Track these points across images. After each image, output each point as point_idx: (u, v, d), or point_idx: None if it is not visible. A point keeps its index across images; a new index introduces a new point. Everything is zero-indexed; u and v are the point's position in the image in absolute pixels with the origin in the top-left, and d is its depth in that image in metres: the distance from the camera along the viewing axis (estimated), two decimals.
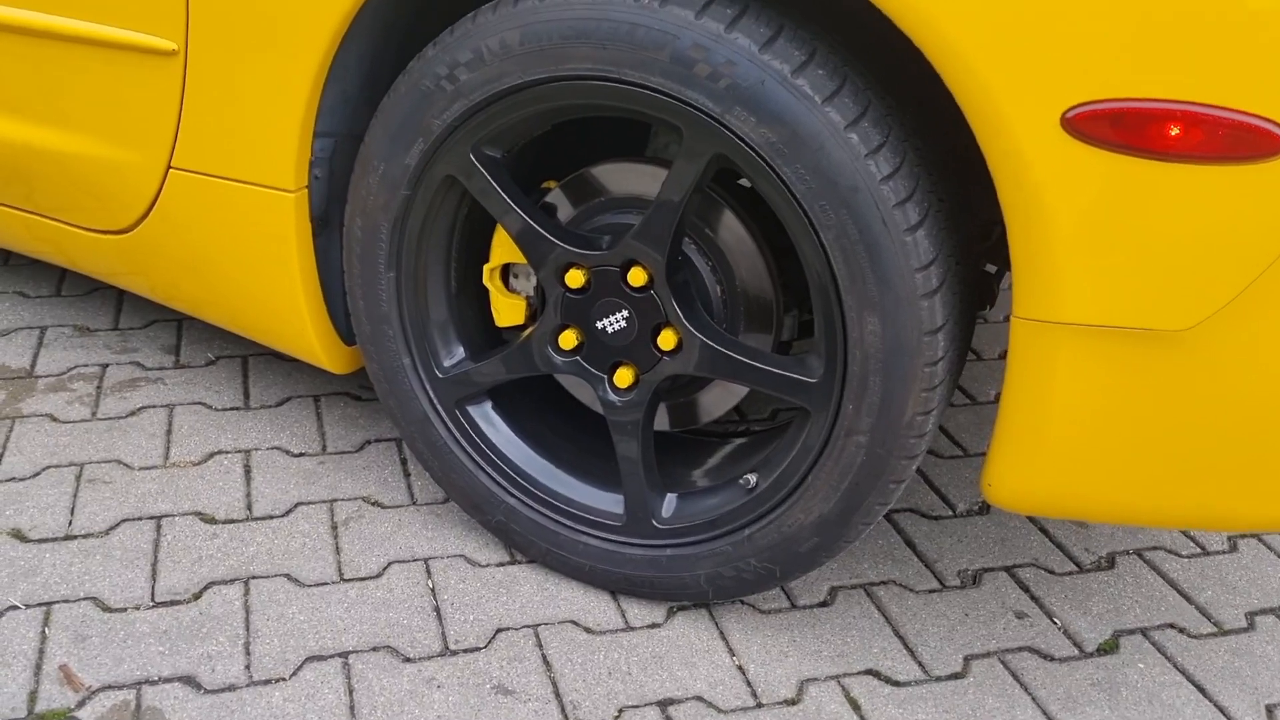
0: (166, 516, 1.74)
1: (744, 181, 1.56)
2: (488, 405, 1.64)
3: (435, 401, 1.63)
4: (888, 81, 1.31)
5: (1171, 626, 1.68)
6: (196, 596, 1.59)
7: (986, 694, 1.53)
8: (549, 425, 1.69)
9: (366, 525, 1.75)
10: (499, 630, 1.57)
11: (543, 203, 1.57)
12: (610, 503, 1.60)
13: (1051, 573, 1.77)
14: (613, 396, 1.53)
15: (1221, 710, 1.54)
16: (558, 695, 1.47)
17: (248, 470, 1.86)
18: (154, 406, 2.00)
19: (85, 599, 1.56)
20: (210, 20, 1.52)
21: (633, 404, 1.52)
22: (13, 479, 1.79)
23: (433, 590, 1.63)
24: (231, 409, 2.02)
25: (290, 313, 1.69)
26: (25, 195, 1.90)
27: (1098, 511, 1.35)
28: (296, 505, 1.79)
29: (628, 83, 1.31)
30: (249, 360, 2.16)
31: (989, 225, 1.58)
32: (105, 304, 2.32)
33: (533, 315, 1.61)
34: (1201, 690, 1.57)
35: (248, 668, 1.48)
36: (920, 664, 1.57)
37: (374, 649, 1.52)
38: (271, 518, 1.75)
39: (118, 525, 1.71)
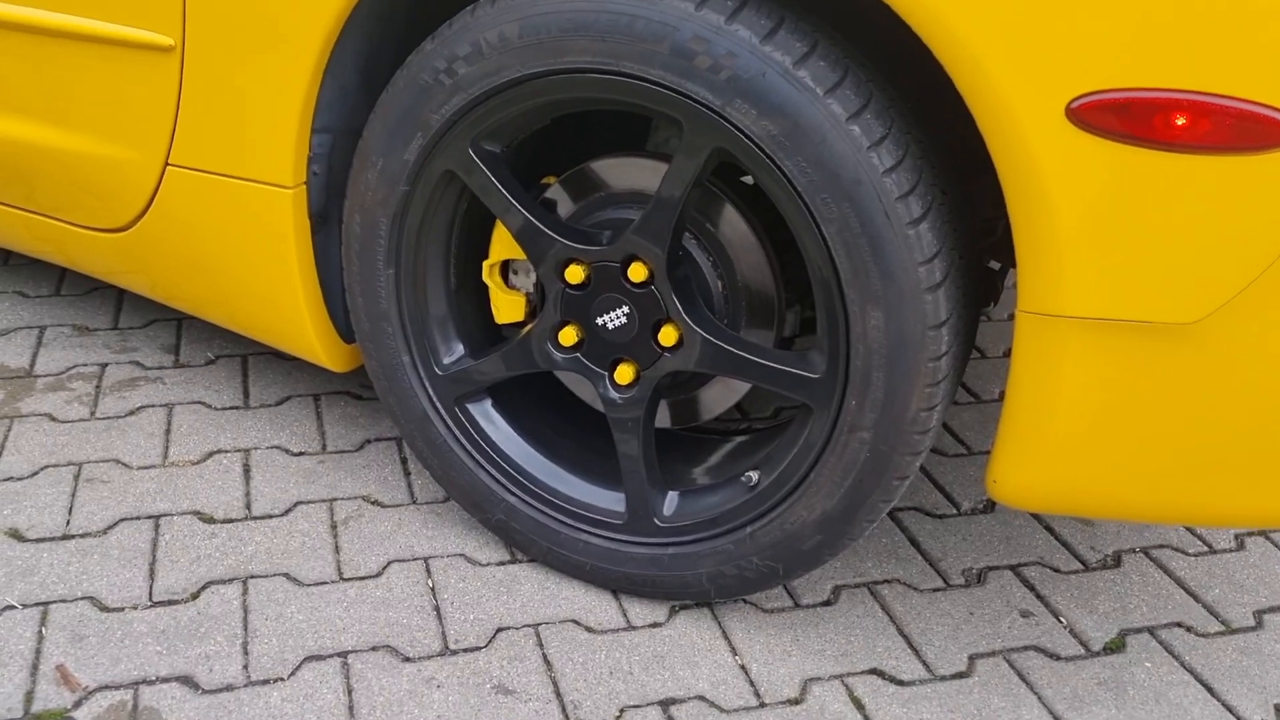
0: (165, 516, 1.73)
1: (747, 179, 1.55)
2: (488, 403, 1.63)
3: (435, 399, 1.62)
4: (890, 73, 1.30)
5: (1179, 625, 1.67)
6: (194, 596, 1.57)
7: (992, 693, 1.51)
8: (549, 423, 1.67)
9: (366, 524, 1.74)
10: (499, 629, 1.55)
11: (542, 198, 1.56)
12: (611, 501, 1.58)
13: (1057, 571, 1.75)
14: (613, 393, 1.51)
15: (1230, 709, 1.52)
16: (559, 695, 1.46)
17: (247, 469, 1.85)
18: (153, 406, 1.99)
19: (82, 598, 1.55)
20: (207, 15, 1.51)
21: (633, 401, 1.50)
22: (10, 478, 1.78)
23: (433, 589, 1.62)
24: (231, 408, 2.01)
25: (289, 310, 1.68)
26: (24, 194, 1.89)
27: (1104, 508, 1.33)
28: (296, 504, 1.77)
29: (627, 75, 1.30)
30: (249, 359, 2.15)
31: (993, 220, 1.57)
32: (105, 303, 2.31)
33: (532, 312, 1.60)
34: (1209, 689, 1.55)
35: (246, 668, 1.46)
36: (925, 663, 1.55)
37: (373, 648, 1.51)
38: (271, 517, 1.74)
39: (116, 525, 1.70)
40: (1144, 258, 1.16)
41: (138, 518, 1.72)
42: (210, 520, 1.72)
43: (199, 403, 2.01)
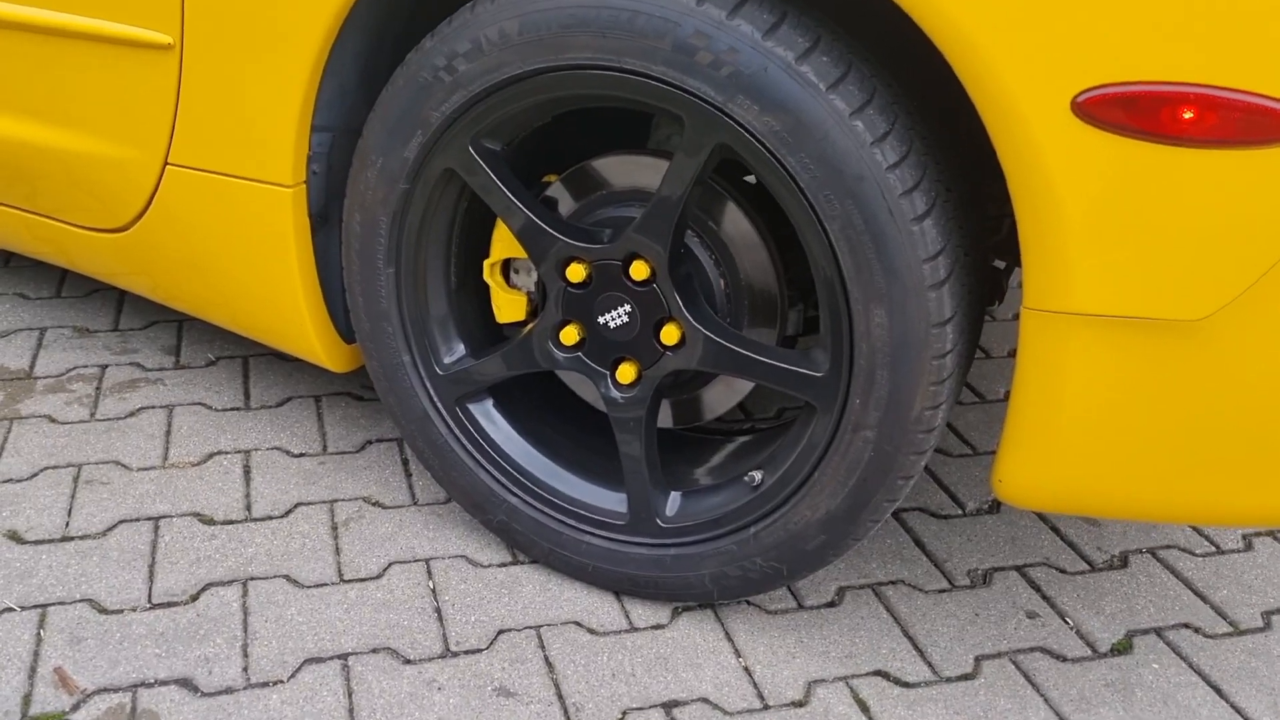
0: (165, 517, 1.72)
1: (749, 178, 1.54)
2: (489, 403, 1.62)
3: (435, 399, 1.61)
4: (894, 67, 1.29)
5: (1186, 626, 1.65)
6: (194, 598, 1.56)
7: (998, 695, 1.50)
8: (550, 423, 1.66)
9: (367, 526, 1.73)
10: (501, 631, 1.54)
11: (543, 196, 1.55)
12: (613, 501, 1.57)
13: (1063, 572, 1.74)
14: (615, 393, 1.50)
15: (1238, 711, 1.50)
16: (560, 697, 1.45)
17: (247, 471, 1.84)
18: (153, 407, 1.98)
19: (81, 601, 1.54)
20: (206, 13, 1.50)
21: (635, 400, 1.49)
22: (10, 480, 1.78)
23: (434, 591, 1.61)
24: (231, 409, 2.00)
25: (289, 310, 1.67)
26: (24, 194, 1.88)
27: (1110, 507, 1.32)
28: (296, 506, 1.76)
29: (629, 72, 1.29)
30: (250, 360, 2.14)
31: (997, 218, 1.56)
32: (105, 305, 2.30)
33: (534, 311, 1.59)
34: (1218, 691, 1.53)
35: (245, 670, 1.45)
36: (930, 665, 1.54)
37: (374, 650, 1.49)
38: (271, 518, 1.73)
39: (115, 526, 1.69)
40: (1151, 253, 1.14)
41: (137, 519, 1.71)
42: (210, 522, 1.71)
43: (199, 404, 2.00)
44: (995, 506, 1.87)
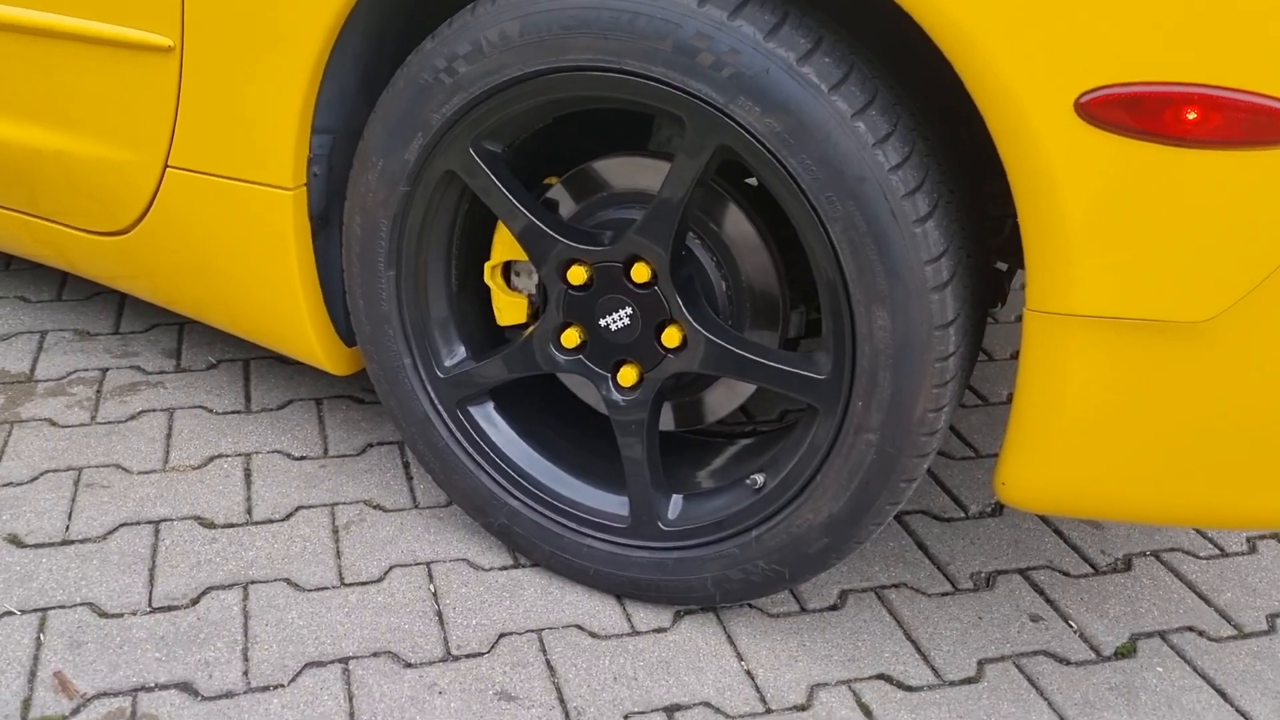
0: (165, 521, 1.71)
1: (751, 180, 1.53)
2: (490, 406, 1.61)
3: (436, 402, 1.60)
4: (896, 68, 1.28)
5: (1190, 629, 1.64)
6: (194, 602, 1.56)
7: (1001, 699, 1.49)
8: (552, 426, 1.66)
9: (368, 529, 1.72)
10: (502, 635, 1.54)
11: (544, 198, 1.55)
12: (615, 505, 1.57)
13: (1067, 575, 1.73)
14: (616, 396, 1.50)
15: (1243, 714, 1.50)
16: (562, 701, 1.44)
17: (248, 474, 1.83)
18: (154, 410, 1.98)
19: (81, 604, 1.54)
20: (206, 15, 1.50)
21: (637, 403, 1.49)
22: (10, 484, 1.77)
23: (435, 594, 1.60)
24: (232, 412, 1.99)
25: (290, 313, 1.66)
26: (25, 197, 1.88)
27: (1114, 509, 1.31)
28: (297, 509, 1.76)
29: (629, 73, 1.29)
30: (250, 364, 2.14)
31: (1000, 219, 1.55)
32: (106, 308, 2.30)
33: (535, 313, 1.59)
34: (1222, 694, 1.53)
35: (246, 674, 1.45)
36: (933, 668, 1.53)
37: (374, 654, 1.49)
38: (272, 522, 1.73)
39: (115, 530, 1.68)
40: (1154, 255, 1.14)
41: (138, 523, 1.70)
42: (211, 525, 1.71)
43: (200, 407, 2.00)
44: (998, 509, 1.87)
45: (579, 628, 1.56)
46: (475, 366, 1.58)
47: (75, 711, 1.38)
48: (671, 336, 1.43)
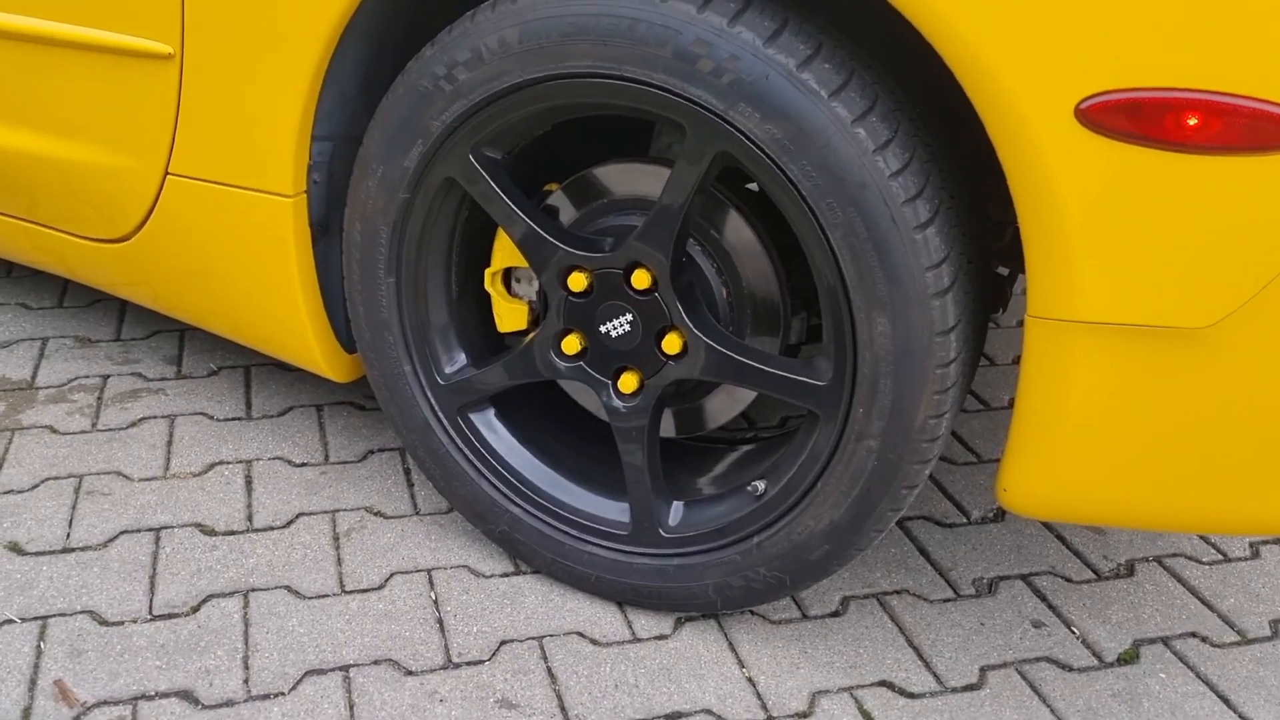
0: (166, 528, 1.71)
1: (752, 186, 1.53)
2: (490, 412, 1.61)
3: (437, 409, 1.60)
4: (897, 74, 1.28)
5: (1193, 635, 1.64)
6: (195, 609, 1.56)
7: (1003, 706, 1.49)
8: (553, 432, 1.65)
9: (369, 536, 1.72)
10: (503, 642, 1.53)
11: (544, 205, 1.54)
12: (616, 511, 1.56)
13: (1069, 581, 1.73)
14: (617, 402, 1.50)
15: None
16: (563, 709, 1.44)
17: (249, 481, 1.83)
18: (155, 417, 1.98)
19: (82, 612, 1.54)
20: (206, 23, 1.50)
21: (638, 410, 1.48)
22: (11, 491, 1.77)
23: (436, 602, 1.60)
24: (233, 419, 1.99)
25: (290, 320, 1.66)
26: (25, 205, 1.88)
27: (1116, 516, 1.31)
28: (298, 516, 1.76)
29: (629, 80, 1.29)
30: (251, 370, 2.14)
31: (1001, 224, 1.55)
32: (107, 315, 2.30)
33: (535, 320, 1.58)
34: (1225, 701, 1.52)
35: (246, 682, 1.44)
36: (935, 675, 1.53)
37: (375, 662, 1.49)
38: (272, 529, 1.72)
39: (116, 537, 1.68)
40: (1156, 261, 1.13)
41: (138, 530, 1.70)
42: (211, 532, 1.71)
43: (201, 414, 2.00)
44: (1000, 515, 1.86)
45: (580, 635, 1.56)
46: (476, 373, 1.57)
47: None
48: (672, 343, 1.43)
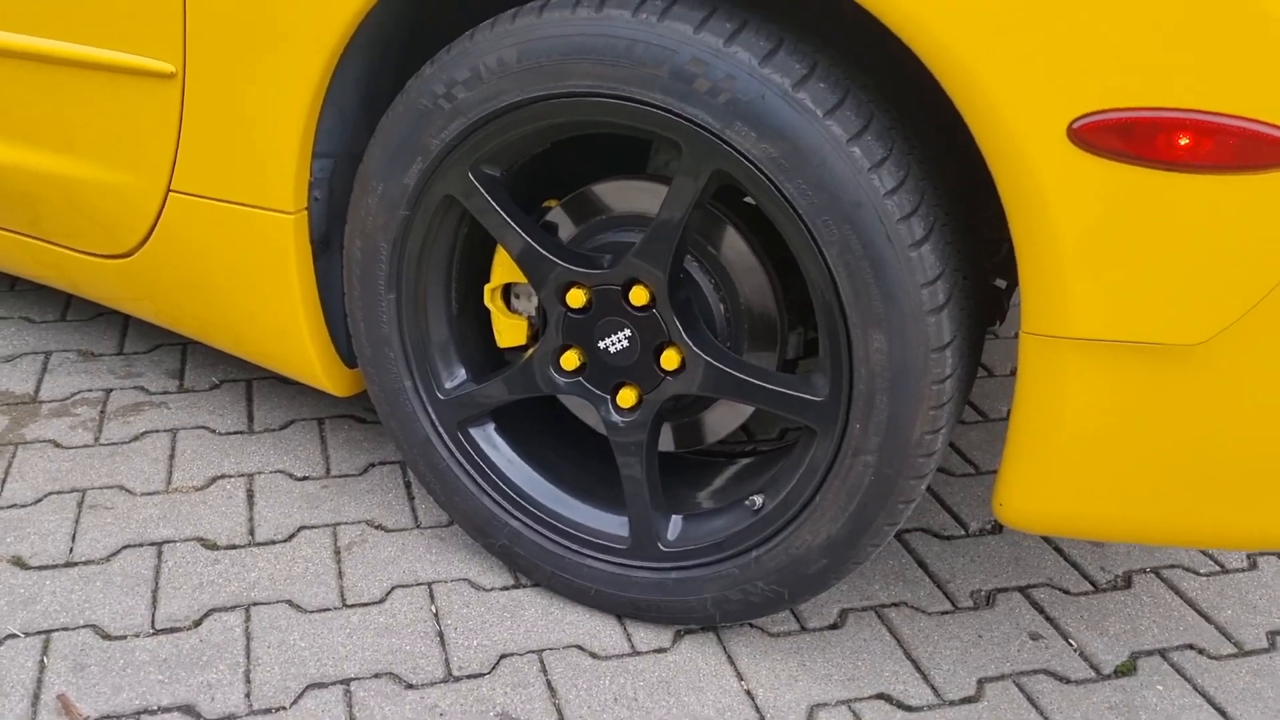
0: (168, 542, 1.72)
1: (749, 200, 1.54)
2: (490, 427, 1.62)
3: (437, 423, 1.61)
4: (892, 93, 1.29)
5: (1190, 647, 1.65)
6: (197, 624, 1.57)
7: (1001, 718, 1.49)
8: (552, 447, 1.66)
9: (370, 549, 1.73)
10: (503, 656, 1.54)
11: (544, 221, 1.56)
12: (615, 525, 1.57)
13: (1067, 593, 1.73)
14: (616, 417, 1.51)
15: None
16: None
17: (250, 495, 1.84)
18: (157, 431, 1.99)
19: (85, 627, 1.55)
20: (208, 42, 1.51)
21: (636, 424, 1.50)
22: (14, 505, 1.78)
23: (436, 615, 1.61)
24: (235, 433, 2.00)
25: (292, 336, 1.68)
26: (29, 220, 1.89)
27: (1111, 530, 1.32)
28: (299, 530, 1.77)
29: (627, 99, 1.30)
30: (253, 383, 2.15)
31: (997, 240, 1.56)
32: (110, 329, 2.31)
33: (534, 335, 1.59)
34: (1222, 713, 1.53)
35: (248, 696, 1.45)
36: (933, 687, 1.54)
37: (376, 676, 1.49)
38: (274, 543, 1.73)
39: (119, 552, 1.69)
40: (1148, 279, 1.14)
41: (141, 544, 1.71)
42: (213, 546, 1.72)
43: (203, 427, 2.01)
44: (998, 527, 1.87)
45: (580, 648, 1.56)
46: (476, 388, 1.59)
47: None
48: (670, 359, 1.44)
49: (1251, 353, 1.15)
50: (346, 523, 1.79)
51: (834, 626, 1.63)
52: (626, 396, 1.49)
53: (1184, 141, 1.09)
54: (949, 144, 1.34)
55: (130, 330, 2.31)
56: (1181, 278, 1.14)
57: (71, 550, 1.69)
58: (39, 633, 1.53)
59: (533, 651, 1.55)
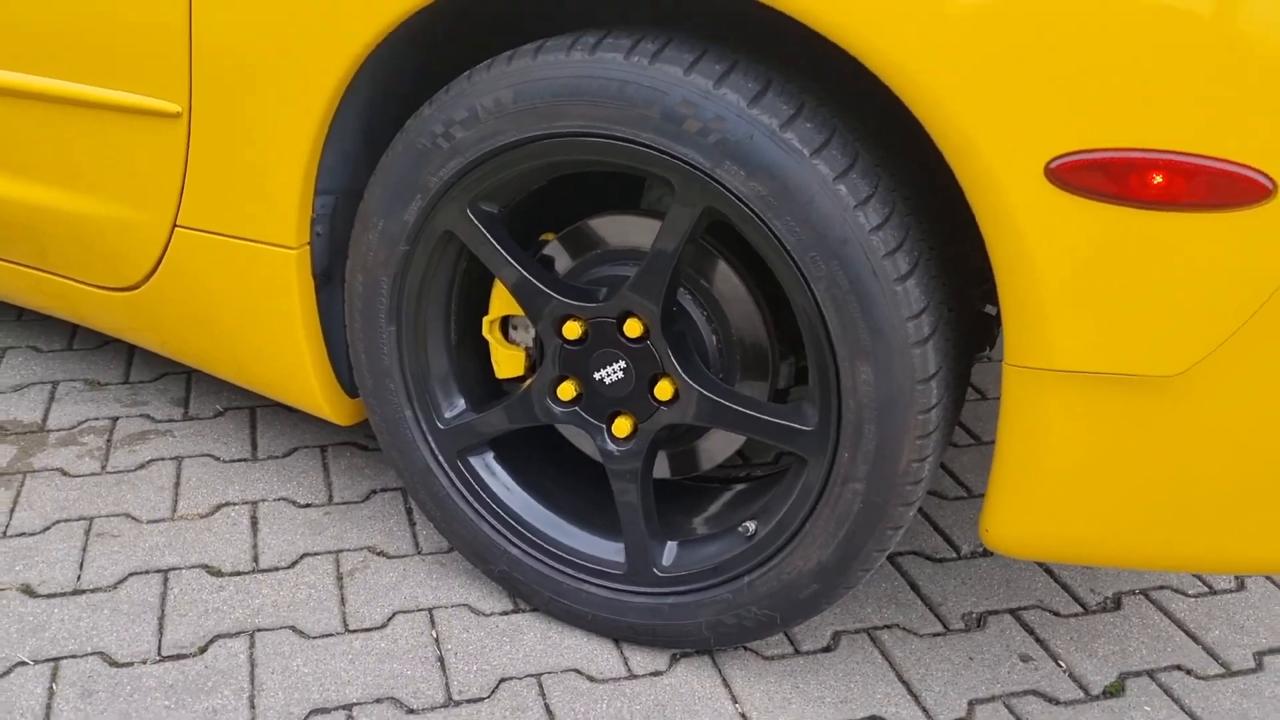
0: (174, 569, 1.75)
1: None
2: (489, 455, 1.65)
3: (437, 452, 1.64)
4: (878, 130, 1.33)
5: (1178, 668, 1.67)
6: (202, 650, 1.60)
7: None
8: (550, 475, 1.70)
9: (372, 575, 1.76)
10: (502, 680, 1.57)
11: (541, 255, 1.59)
12: (612, 551, 1.60)
13: (1057, 614, 1.76)
14: (612, 446, 1.54)
15: None
16: None
17: (254, 521, 1.88)
18: (163, 459, 2.03)
19: (92, 654, 1.58)
20: (213, 84, 1.55)
21: (631, 453, 1.53)
22: (23, 534, 1.82)
23: (437, 640, 1.64)
24: (239, 460, 2.04)
25: (295, 366, 1.71)
26: (38, 254, 1.93)
27: (1095, 556, 1.35)
28: (302, 556, 1.80)
29: (620, 139, 1.34)
30: (257, 411, 2.19)
31: (986, 268, 1.59)
32: (116, 358, 2.35)
33: (532, 366, 1.63)
34: None
35: None
36: (924, 709, 1.56)
37: (378, 700, 1.52)
38: (278, 569, 1.77)
39: (126, 579, 1.73)
40: (1126, 313, 1.18)
41: (147, 571, 1.74)
42: (218, 573, 1.75)
43: (208, 455, 2.04)
44: (990, 550, 1.90)
45: (577, 671, 1.59)
46: (474, 418, 1.62)
47: None
48: (664, 389, 1.47)
49: (1225, 383, 1.19)
50: (349, 549, 1.82)
51: (827, 649, 1.66)
52: (622, 426, 1.52)
53: (1158, 180, 1.12)
54: (934, 179, 1.38)
55: (136, 359, 2.35)
56: (1158, 312, 1.17)
57: (79, 578, 1.72)
58: (48, 660, 1.56)
59: (531, 675, 1.58)
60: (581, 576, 1.61)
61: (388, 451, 1.69)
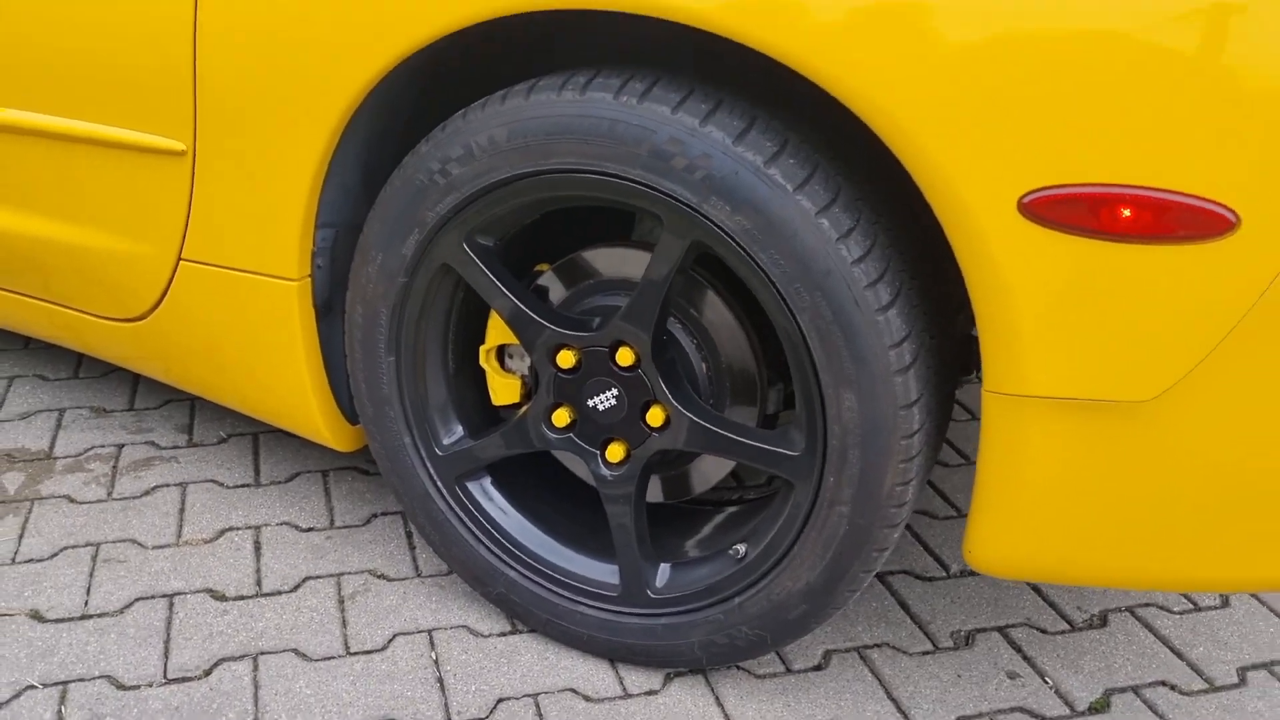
0: (179, 594, 1.79)
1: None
2: (487, 480, 1.70)
3: (435, 478, 1.69)
4: (861, 166, 1.37)
5: (1163, 684, 1.71)
6: (207, 673, 1.63)
7: None
8: (546, 499, 1.74)
9: (373, 598, 1.80)
10: (500, 700, 1.61)
11: (535, 286, 1.64)
12: (606, 573, 1.64)
13: (1044, 632, 1.80)
14: (605, 471, 1.58)
15: None
16: None
17: (258, 546, 1.92)
18: (168, 485, 2.07)
19: (100, 677, 1.62)
20: (217, 122, 1.60)
21: (624, 478, 1.57)
22: (31, 560, 1.85)
23: (436, 661, 1.68)
24: (242, 486, 2.08)
25: (296, 395, 1.75)
26: (45, 286, 1.98)
27: (1075, 575, 1.39)
28: (305, 580, 1.84)
29: (610, 175, 1.38)
30: (260, 437, 2.23)
31: (965, 300, 1.63)
32: (121, 385, 2.39)
33: (527, 394, 1.67)
34: None
35: None
36: None
37: None
38: (280, 593, 1.81)
39: (132, 604, 1.76)
40: (1099, 341, 1.22)
41: (153, 596, 1.78)
42: (222, 598, 1.79)
43: (212, 481, 2.08)
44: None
45: (574, 691, 1.63)
46: (472, 444, 1.66)
47: None
48: (655, 416, 1.51)
49: (1195, 408, 1.23)
50: (350, 572, 1.86)
51: (818, 668, 1.70)
52: (615, 451, 1.56)
53: (1127, 214, 1.17)
54: (914, 211, 1.42)
55: (141, 387, 2.39)
56: (1130, 340, 1.21)
57: (86, 603, 1.76)
58: (56, 684, 1.60)
59: (529, 695, 1.62)
60: (577, 598, 1.65)
61: (388, 477, 1.73)
